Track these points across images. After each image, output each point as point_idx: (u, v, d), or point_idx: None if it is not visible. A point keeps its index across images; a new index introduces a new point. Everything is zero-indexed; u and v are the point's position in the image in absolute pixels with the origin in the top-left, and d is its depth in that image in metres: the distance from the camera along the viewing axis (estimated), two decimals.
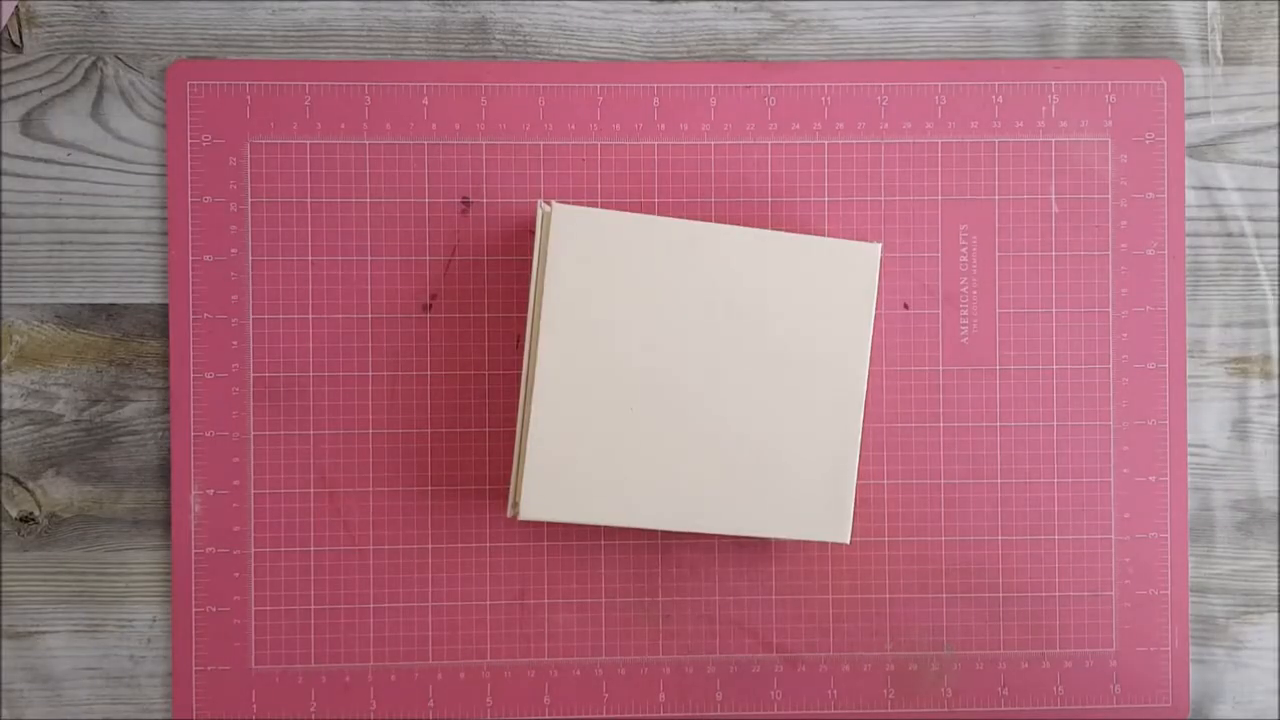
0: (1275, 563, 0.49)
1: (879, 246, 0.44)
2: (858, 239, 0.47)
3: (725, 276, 0.44)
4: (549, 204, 0.43)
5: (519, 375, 0.47)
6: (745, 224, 0.47)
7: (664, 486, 0.44)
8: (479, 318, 0.47)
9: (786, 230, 0.46)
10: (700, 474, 0.44)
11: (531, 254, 0.44)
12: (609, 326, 0.43)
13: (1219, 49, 0.49)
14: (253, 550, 0.47)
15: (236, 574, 0.47)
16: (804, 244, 0.44)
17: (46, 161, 0.47)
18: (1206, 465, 0.49)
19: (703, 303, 0.44)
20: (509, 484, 0.46)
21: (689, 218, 0.47)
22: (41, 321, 0.47)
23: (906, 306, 0.48)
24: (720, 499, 0.44)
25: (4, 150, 0.47)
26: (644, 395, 0.43)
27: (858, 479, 0.46)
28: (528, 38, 0.48)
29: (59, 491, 0.47)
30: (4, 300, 0.47)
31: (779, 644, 0.48)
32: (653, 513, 0.44)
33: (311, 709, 0.47)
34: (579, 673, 0.47)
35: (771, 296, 0.44)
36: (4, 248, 0.47)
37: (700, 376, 0.44)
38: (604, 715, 0.47)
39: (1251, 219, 0.49)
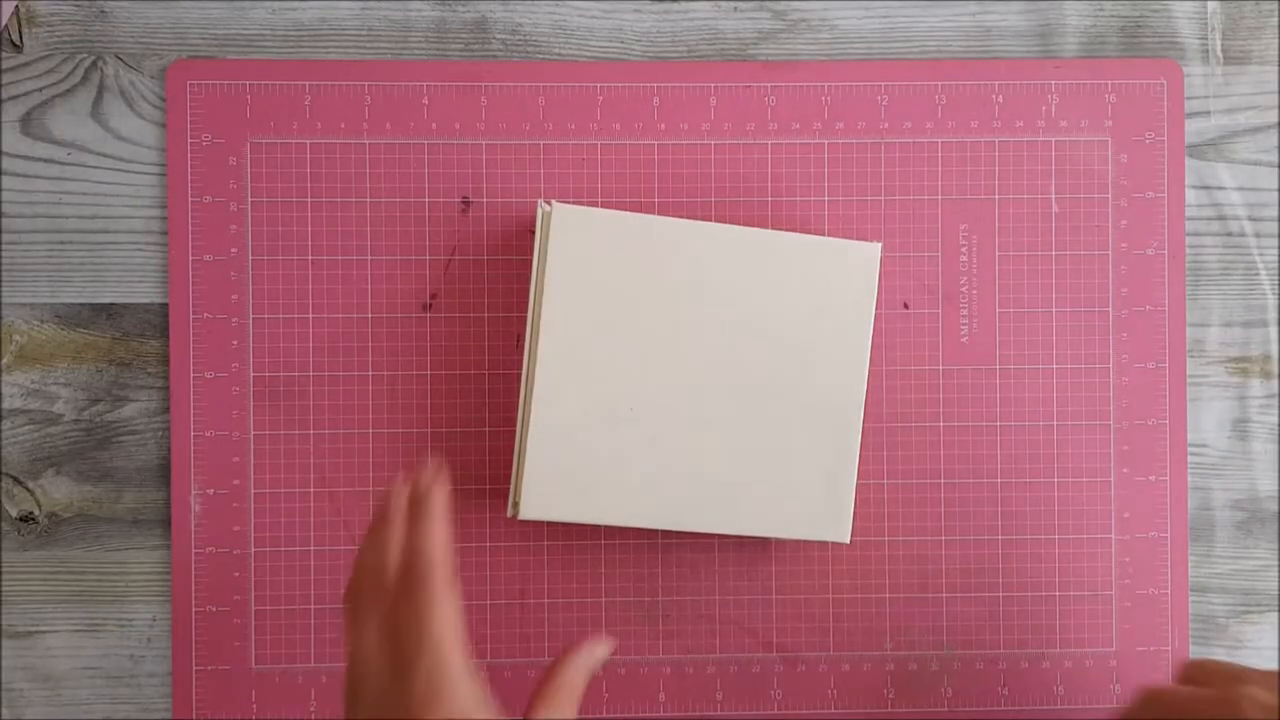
0: (1275, 563, 0.49)
1: (879, 246, 0.44)
2: (858, 239, 0.47)
3: (725, 276, 0.44)
4: (549, 204, 0.43)
5: (519, 375, 0.47)
6: (745, 224, 0.47)
7: (664, 486, 0.44)
8: (479, 318, 0.47)
9: (786, 230, 0.46)
10: (700, 474, 0.44)
11: (531, 254, 0.44)
12: (609, 326, 0.43)
13: (1219, 49, 0.49)
14: (253, 550, 0.47)
15: (236, 574, 0.47)
16: (804, 244, 0.44)
17: (46, 161, 0.47)
18: (1206, 465, 0.49)
19: (702, 302, 0.44)
20: (509, 484, 0.46)
21: (689, 217, 0.47)
22: (41, 321, 0.47)
23: (906, 306, 0.48)
24: (720, 499, 0.44)
25: (4, 150, 0.47)
26: (644, 395, 0.43)
27: (858, 479, 0.46)
28: (528, 37, 0.48)
29: (59, 491, 0.47)
30: (4, 300, 0.47)
31: (779, 644, 0.48)
32: (653, 513, 0.44)
33: (311, 709, 0.47)
34: None
35: (771, 296, 0.44)
36: (4, 248, 0.47)
37: (700, 376, 0.44)
38: (604, 715, 0.47)
39: (1251, 218, 0.49)
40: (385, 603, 0.34)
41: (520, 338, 0.47)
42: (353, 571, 0.36)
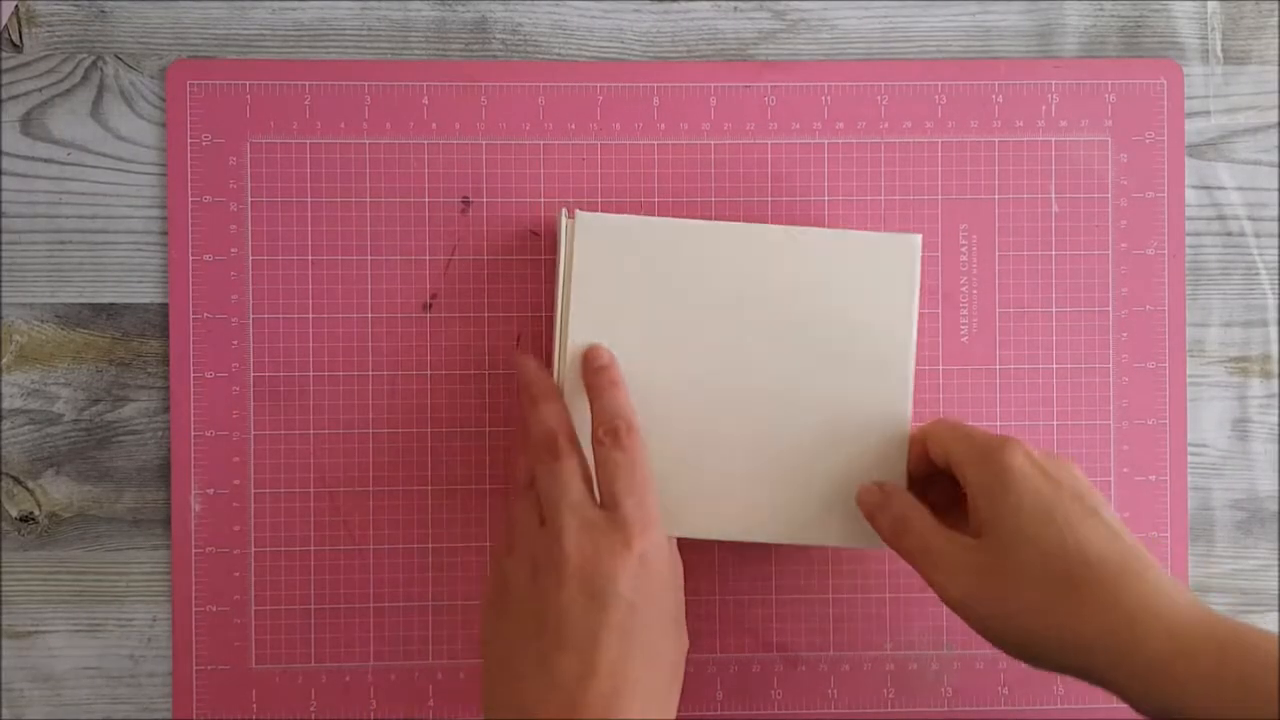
0: (1275, 563, 0.49)
1: (919, 238, 0.43)
2: None
3: (757, 276, 0.43)
4: (570, 214, 0.42)
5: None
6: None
7: (700, 496, 0.42)
8: (479, 317, 0.47)
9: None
10: (737, 482, 0.43)
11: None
12: (639, 333, 0.42)
13: (1219, 48, 0.49)
14: (253, 550, 0.47)
15: (236, 574, 0.47)
16: (839, 238, 0.43)
17: (46, 161, 0.47)
18: (1206, 465, 0.49)
19: (735, 305, 0.42)
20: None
21: (689, 218, 0.46)
22: (41, 321, 0.47)
23: None
24: (759, 508, 0.43)
25: (4, 150, 0.47)
26: (678, 402, 0.42)
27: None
28: (528, 37, 0.48)
29: (59, 491, 0.47)
30: (4, 300, 0.47)
31: (779, 644, 0.48)
32: (690, 522, 0.42)
33: (311, 709, 0.47)
34: None
35: (806, 295, 0.43)
36: (4, 248, 0.47)
37: (736, 382, 0.43)
38: None
39: (1251, 218, 0.49)
40: (576, 453, 0.40)
41: (520, 338, 0.47)
42: (535, 433, 0.40)
